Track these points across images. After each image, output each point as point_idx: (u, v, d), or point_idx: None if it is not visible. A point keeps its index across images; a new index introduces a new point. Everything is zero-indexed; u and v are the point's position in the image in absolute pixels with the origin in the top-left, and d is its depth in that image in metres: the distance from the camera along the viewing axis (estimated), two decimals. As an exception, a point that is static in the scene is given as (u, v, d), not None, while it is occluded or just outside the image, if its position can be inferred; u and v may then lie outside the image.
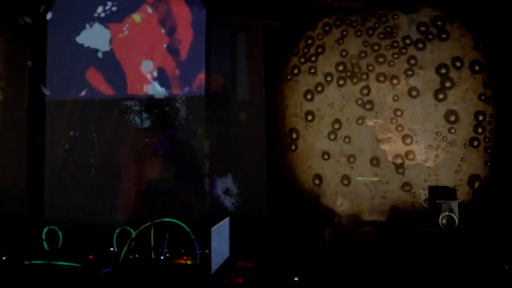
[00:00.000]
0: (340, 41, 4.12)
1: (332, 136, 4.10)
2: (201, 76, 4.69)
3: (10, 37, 4.80)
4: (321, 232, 3.43)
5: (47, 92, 4.74)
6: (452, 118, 3.83)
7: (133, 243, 3.36)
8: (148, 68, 4.68)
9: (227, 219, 3.31)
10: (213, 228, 2.86)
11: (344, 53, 4.11)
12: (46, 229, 3.64)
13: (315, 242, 3.48)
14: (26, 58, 4.81)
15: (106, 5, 4.59)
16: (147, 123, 4.79)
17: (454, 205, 3.43)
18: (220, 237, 3.05)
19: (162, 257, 3.28)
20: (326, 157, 4.10)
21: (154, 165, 4.58)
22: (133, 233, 3.21)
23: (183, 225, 3.15)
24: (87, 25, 4.63)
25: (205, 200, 4.63)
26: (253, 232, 3.86)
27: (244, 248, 3.45)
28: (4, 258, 3.54)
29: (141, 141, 4.68)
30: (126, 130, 4.71)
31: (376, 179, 3.85)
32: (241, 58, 4.83)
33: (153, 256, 3.26)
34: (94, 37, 4.65)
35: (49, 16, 4.77)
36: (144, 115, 4.76)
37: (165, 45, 4.66)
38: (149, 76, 4.69)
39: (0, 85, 4.88)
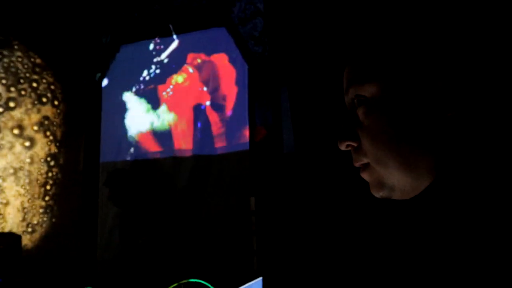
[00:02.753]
0: None
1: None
2: (246, 131, 4.62)
3: (68, 104, 5.19)
4: None
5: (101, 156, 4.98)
6: None
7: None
8: (192, 126, 4.73)
9: (259, 279, 3.03)
10: (237, 290, 2.61)
11: None
12: (84, 290, 3.59)
13: None
14: (83, 123, 5.15)
15: (151, 68, 4.81)
16: (193, 181, 4.75)
17: None
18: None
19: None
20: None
21: (199, 223, 4.47)
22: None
23: (210, 286, 2.92)
24: (134, 89, 4.86)
25: (252, 259, 4.37)
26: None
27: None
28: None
29: (187, 200, 4.64)
30: (173, 189, 4.71)
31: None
32: (285, 110, 4.70)
33: (183, 321, 3.04)
34: (142, 100, 4.86)
35: (104, 83, 5.11)
36: (190, 173, 4.74)
37: (208, 103, 4.71)
38: (193, 135, 4.72)
39: (61, 150, 5.23)
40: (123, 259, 4.41)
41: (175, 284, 3.06)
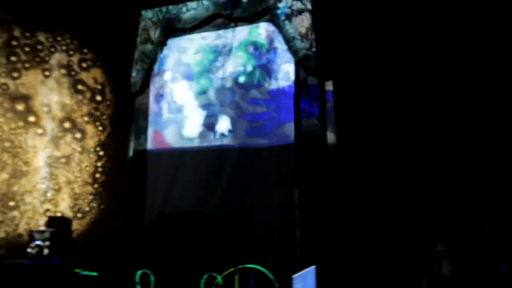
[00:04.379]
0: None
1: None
2: (291, 125, 4.70)
3: (117, 95, 5.41)
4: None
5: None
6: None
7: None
8: (239, 119, 4.85)
9: (313, 267, 3.13)
10: (295, 276, 2.72)
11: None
12: (139, 272, 3.77)
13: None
14: (131, 114, 5.35)
15: (198, 60, 4.98)
16: (239, 173, 4.84)
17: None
18: (304, 286, 2.89)
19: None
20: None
21: (244, 213, 4.60)
22: (219, 278, 3.18)
23: (266, 271, 3.04)
24: (182, 80, 5.04)
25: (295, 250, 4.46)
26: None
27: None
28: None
29: (233, 189, 4.76)
30: (219, 178, 4.84)
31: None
32: (329, 105, 4.77)
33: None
34: (189, 91, 5.04)
35: (152, 75, 5.29)
36: (236, 164, 4.85)
37: (254, 97, 4.82)
38: (239, 128, 4.84)
39: (109, 140, 5.45)
40: (172, 245, 4.58)
41: (232, 269, 3.20)
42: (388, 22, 4.45)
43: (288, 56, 4.72)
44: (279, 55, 4.81)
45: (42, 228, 4.83)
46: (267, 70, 4.85)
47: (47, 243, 4.29)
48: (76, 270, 3.85)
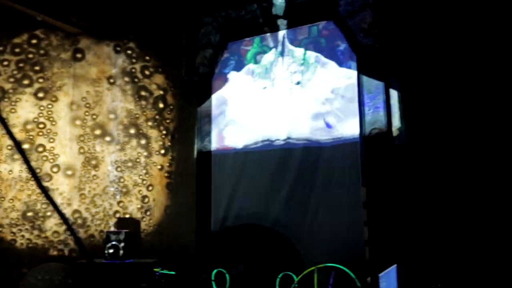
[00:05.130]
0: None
1: None
2: (356, 121, 4.65)
3: (180, 100, 5.55)
4: None
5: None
6: None
7: (295, 289, 3.32)
8: (303, 117, 4.85)
9: (394, 266, 3.08)
10: (381, 274, 2.69)
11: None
12: (215, 271, 3.84)
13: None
14: (194, 118, 5.47)
15: (259, 64, 5.03)
16: (304, 172, 4.83)
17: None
18: (388, 285, 2.85)
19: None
20: None
21: (310, 212, 4.59)
22: (296, 279, 3.19)
23: (347, 270, 3.02)
24: (243, 83, 5.11)
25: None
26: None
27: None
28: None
29: (299, 188, 4.76)
30: (284, 177, 4.85)
31: None
32: (394, 102, 4.68)
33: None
34: (248, 93, 5.10)
35: (213, 78, 5.39)
36: (301, 163, 4.84)
37: (317, 94, 4.81)
38: (303, 125, 4.84)
39: (174, 143, 5.60)
40: (241, 244, 4.64)
41: (313, 268, 3.20)
42: (453, 14, 4.32)
43: (351, 53, 4.69)
44: (341, 52, 4.78)
45: (115, 229, 5.02)
46: (329, 68, 4.83)
47: (122, 243, 4.45)
48: (155, 269, 3.97)
